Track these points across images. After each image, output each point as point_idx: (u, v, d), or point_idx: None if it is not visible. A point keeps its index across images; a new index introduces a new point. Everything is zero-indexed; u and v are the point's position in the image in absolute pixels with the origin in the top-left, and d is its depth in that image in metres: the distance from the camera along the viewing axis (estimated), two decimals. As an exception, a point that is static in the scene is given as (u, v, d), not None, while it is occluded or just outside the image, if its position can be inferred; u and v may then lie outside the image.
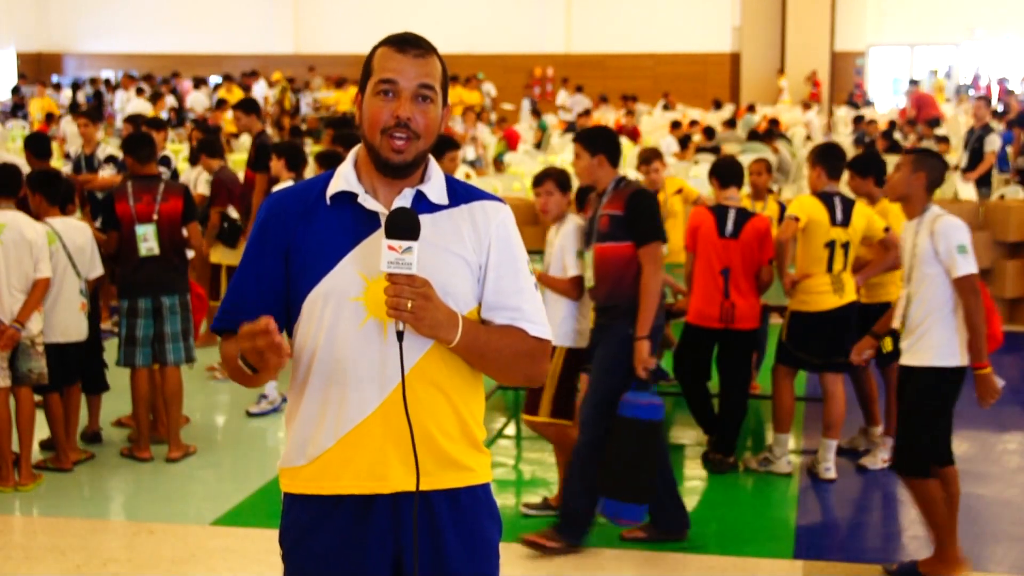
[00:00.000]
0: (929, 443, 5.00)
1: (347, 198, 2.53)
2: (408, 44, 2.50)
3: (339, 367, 2.48)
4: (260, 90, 24.14)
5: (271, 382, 7.47)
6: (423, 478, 2.48)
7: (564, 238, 5.68)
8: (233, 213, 8.08)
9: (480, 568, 2.58)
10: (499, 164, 16.24)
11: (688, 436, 7.23)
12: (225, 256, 8.14)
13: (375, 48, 2.54)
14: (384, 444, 2.47)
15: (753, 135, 15.53)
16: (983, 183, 12.03)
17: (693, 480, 6.61)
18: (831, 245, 6.26)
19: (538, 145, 19.38)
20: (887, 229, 6.37)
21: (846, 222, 6.25)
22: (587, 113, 21.07)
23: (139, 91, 22.02)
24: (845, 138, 17.75)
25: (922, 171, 5.03)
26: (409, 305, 2.36)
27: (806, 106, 23.24)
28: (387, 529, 2.50)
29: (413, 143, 2.48)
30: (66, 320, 6.50)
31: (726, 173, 6.74)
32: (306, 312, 2.52)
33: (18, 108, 22.61)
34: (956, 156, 13.85)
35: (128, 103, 20.83)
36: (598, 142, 5.47)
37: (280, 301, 2.55)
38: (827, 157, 6.42)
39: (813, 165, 6.46)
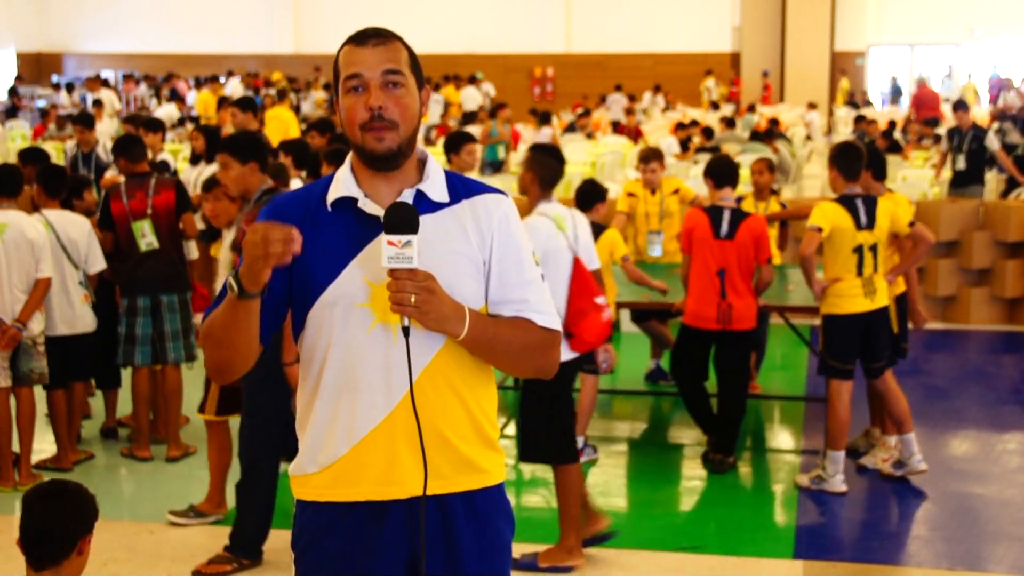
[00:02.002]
0: (555, 432, 5.13)
1: (348, 203, 2.50)
2: (367, 36, 2.50)
3: (350, 374, 2.46)
4: (232, 90, 23.94)
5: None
6: (438, 481, 2.47)
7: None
8: None
9: (493, 570, 2.56)
10: (501, 164, 16.23)
11: (688, 436, 7.22)
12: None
13: (339, 49, 2.53)
14: (398, 449, 2.45)
15: (754, 135, 15.53)
16: (979, 182, 11.96)
17: (693, 480, 6.61)
18: (859, 250, 6.08)
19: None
20: (913, 223, 6.27)
21: (871, 224, 6.08)
22: (587, 113, 21.04)
23: (171, 97, 22.01)
24: (845, 138, 17.75)
25: (531, 170, 5.31)
26: (413, 299, 2.34)
27: (810, 105, 23.22)
28: (402, 532, 2.48)
29: (392, 131, 2.46)
30: (68, 311, 6.50)
31: (721, 173, 6.67)
32: (313, 321, 2.50)
33: (16, 109, 22.60)
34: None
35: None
36: (247, 149, 5.23)
37: (282, 306, 2.53)
38: (843, 158, 6.19)
39: (829, 167, 6.26)
